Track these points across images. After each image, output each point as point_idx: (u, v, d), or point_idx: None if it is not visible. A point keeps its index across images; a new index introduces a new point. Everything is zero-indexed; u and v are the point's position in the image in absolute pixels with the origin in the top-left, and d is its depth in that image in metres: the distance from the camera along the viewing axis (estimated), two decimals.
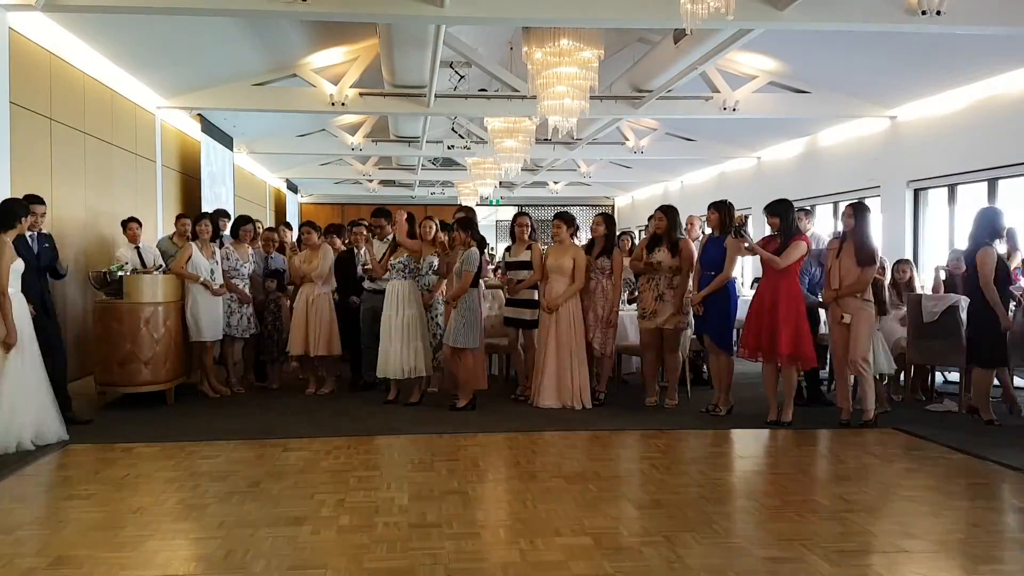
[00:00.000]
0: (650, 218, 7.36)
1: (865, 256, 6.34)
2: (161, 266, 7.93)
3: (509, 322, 7.63)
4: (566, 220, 7.42)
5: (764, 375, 6.76)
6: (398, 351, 7.05)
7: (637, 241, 9.48)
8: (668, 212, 7.26)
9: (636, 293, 7.69)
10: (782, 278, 6.49)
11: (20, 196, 7.33)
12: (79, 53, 8.59)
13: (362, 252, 8.17)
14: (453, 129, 14.74)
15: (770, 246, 6.56)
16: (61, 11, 7.27)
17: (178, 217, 9.19)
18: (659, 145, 15.10)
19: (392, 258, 7.23)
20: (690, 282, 7.31)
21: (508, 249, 7.97)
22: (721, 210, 7.04)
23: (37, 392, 5.74)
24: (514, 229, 7.71)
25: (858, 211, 6.45)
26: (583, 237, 11.41)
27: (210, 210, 9.74)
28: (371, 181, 20.34)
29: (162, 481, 4.96)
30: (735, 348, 7.22)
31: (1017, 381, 7.25)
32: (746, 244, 6.57)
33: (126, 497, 4.64)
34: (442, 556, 3.72)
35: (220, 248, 7.88)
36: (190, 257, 7.50)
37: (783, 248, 6.48)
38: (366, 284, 7.92)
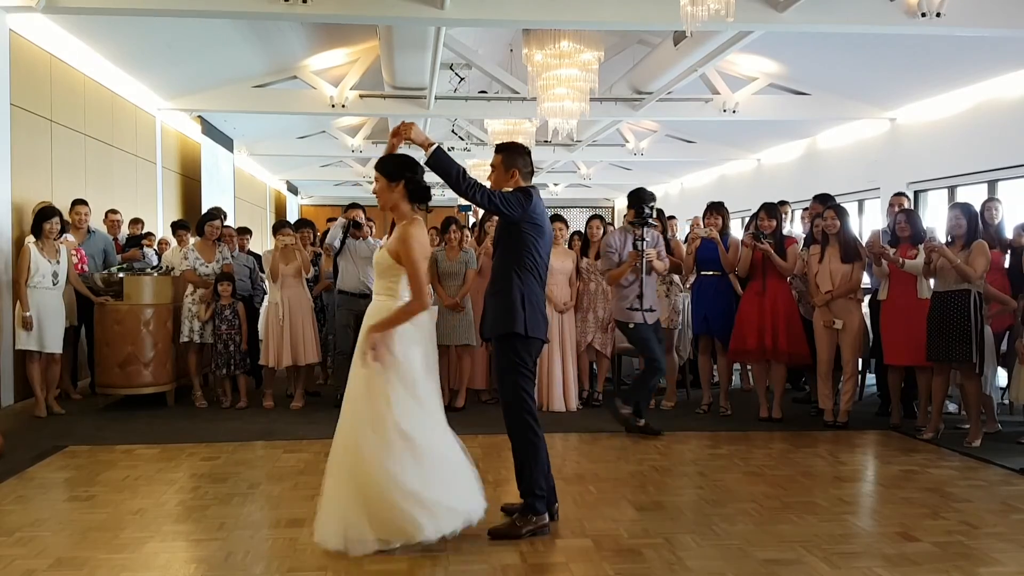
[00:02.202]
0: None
1: (852, 252, 6.41)
2: (161, 267, 7.93)
3: None
4: (564, 222, 7.45)
5: (754, 374, 6.87)
6: None
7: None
8: (661, 215, 7.32)
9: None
10: (779, 280, 6.64)
11: (20, 198, 7.38)
12: (79, 55, 8.60)
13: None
14: (453, 131, 14.76)
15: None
16: (61, 12, 7.28)
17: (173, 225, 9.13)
18: (659, 147, 15.12)
19: None
20: (688, 282, 7.39)
21: None
22: (722, 213, 7.08)
23: None
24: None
25: (840, 213, 6.52)
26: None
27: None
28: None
29: (162, 483, 4.96)
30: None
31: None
32: (762, 245, 6.58)
33: (126, 499, 4.64)
34: (442, 558, 3.72)
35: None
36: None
37: (778, 250, 6.59)
38: (339, 286, 7.35)
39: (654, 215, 6.25)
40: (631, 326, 6.24)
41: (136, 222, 9.16)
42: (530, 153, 4.30)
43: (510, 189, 4.11)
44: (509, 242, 4.06)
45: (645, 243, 6.11)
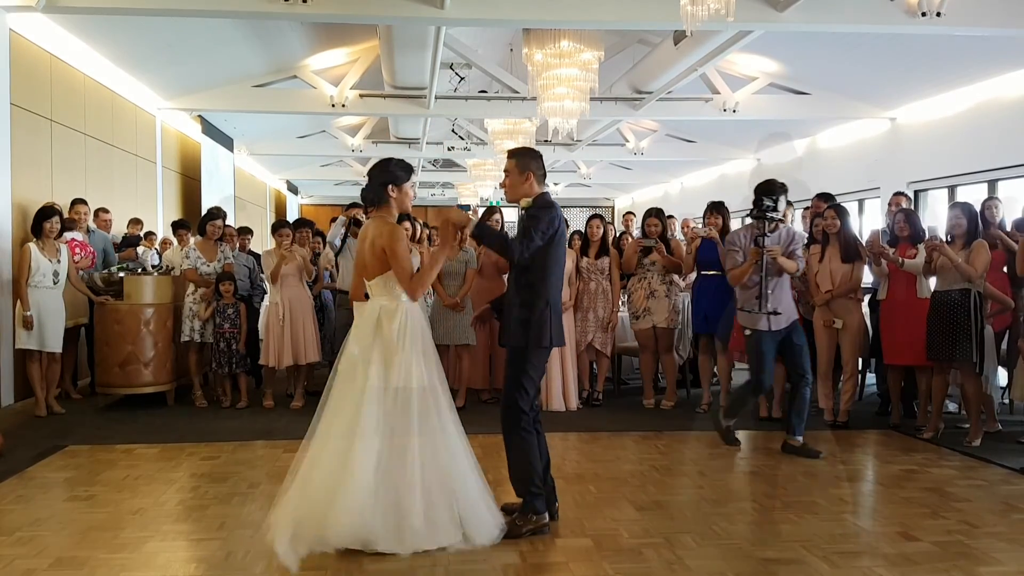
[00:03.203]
0: (644, 220, 7.38)
1: (852, 252, 6.40)
2: (162, 267, 7.93)
3: None
4: (565, 222, 7.46)
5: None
6: None
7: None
8: (660, 215, 7.30)
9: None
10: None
11: (20, 198, 7.38)
12: (80, 54, 8.60)
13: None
14: (453, 131, 14.76)
15: None
16: (61, 12, 7.28)
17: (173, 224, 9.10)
18: (659, 147, 15.12)
19: None
20: (683, 281, 7.39)
21: None
22: (723, 212, 7.06)
23: None
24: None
25: (840, 213, 6.51)
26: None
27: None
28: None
29: (162, 482, 4.96)
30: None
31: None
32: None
33: (126, 498, 4.64)
34: (442, 558, 3.72)
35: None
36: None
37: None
38: (341, 286, 7.45)
39: (778, 208, 5.67)
40: (747, 332, 5.79)
41: (136, 222, 9.15)
42: (542, 156, 4.31)
43: (530, 199, 4.13)
44: (538, 257, 4.08)
45: (767, 239, 5.68)
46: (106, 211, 8.60)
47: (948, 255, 5.70)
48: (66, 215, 7.26)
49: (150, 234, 9.22)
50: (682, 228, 10.15)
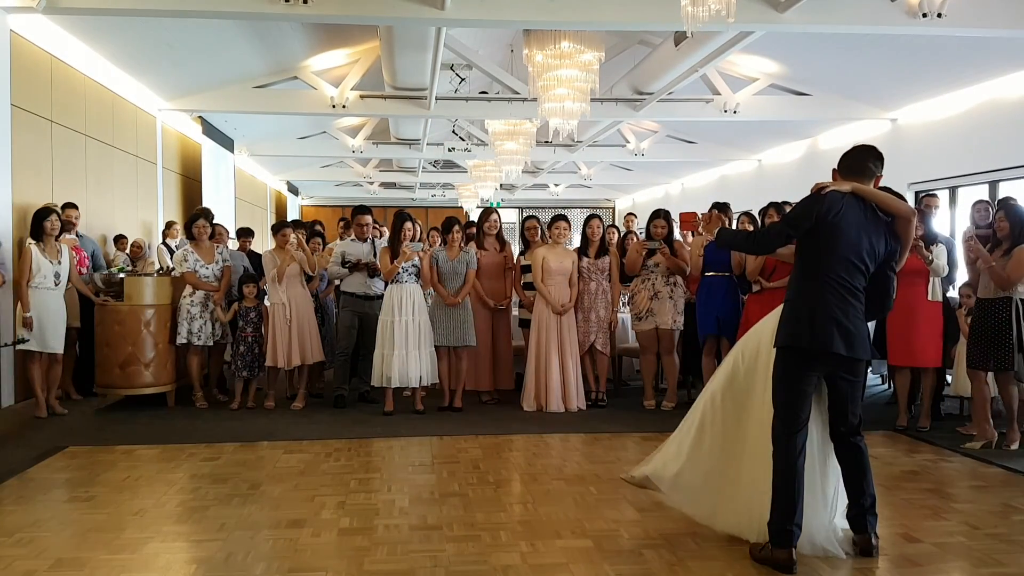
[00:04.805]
0: (650, 221, 7.37)
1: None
2: (161, 268, 7.92)
3: (525, 324, 7.57)
4: (567, 222, 7.47)
5: None
6: (416, 358, 6.76)
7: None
8: (667, 217, 7.30)
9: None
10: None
11: (20, 199, 7.38)
12: (80, 55, 8.61)
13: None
14: (454, 131, 14.75)
15: None
16: (62, 13, 7.29)
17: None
18: (660, 147, 15.11)
19: (403, 259, 6.80)
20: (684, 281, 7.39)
21: (523, 253, 7.87)
22: (729, 213, 7.05)
23: None
24: (524, 232, 7.78)
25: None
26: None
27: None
28: (371, 183, 20.38)
29: (163, 483, 4.96)
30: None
31: None
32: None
33: (127, 499, 4.64)
34: (442, 558, 3.72)
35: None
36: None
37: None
38: (344, 288, 7.47)
39: None
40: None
41: (121, 239, 9.03)
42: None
43: None
44: None
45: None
46: (74, 206, 7.96)
47: (985, 258, 5.71)
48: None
49: (135, 245, 9.05)
50: (681, 230, 10.11)
